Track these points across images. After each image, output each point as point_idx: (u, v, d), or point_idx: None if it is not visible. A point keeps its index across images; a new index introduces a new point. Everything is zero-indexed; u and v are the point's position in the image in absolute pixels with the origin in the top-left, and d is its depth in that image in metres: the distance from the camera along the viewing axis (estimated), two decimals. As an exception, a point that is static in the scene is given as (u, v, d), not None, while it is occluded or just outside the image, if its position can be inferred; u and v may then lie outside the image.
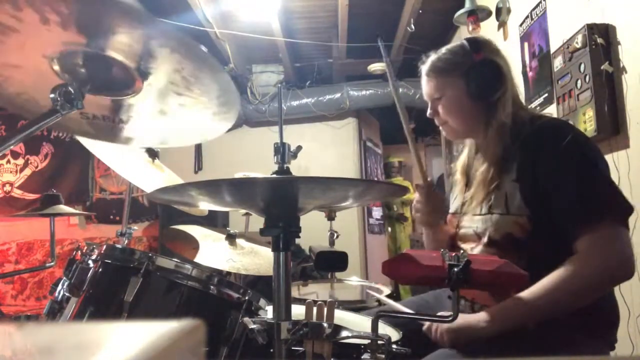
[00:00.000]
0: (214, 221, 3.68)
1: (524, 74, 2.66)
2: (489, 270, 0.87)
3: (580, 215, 1.00)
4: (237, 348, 1.13)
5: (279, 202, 0.88)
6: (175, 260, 1.16)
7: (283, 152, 0.90)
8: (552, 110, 2.28)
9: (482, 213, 1.15)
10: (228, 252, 1.72)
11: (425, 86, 1.24)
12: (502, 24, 2.91)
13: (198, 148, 5.08)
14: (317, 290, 2.16)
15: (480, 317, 1.04)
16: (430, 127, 5.80)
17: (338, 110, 4.73)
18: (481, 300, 1.13)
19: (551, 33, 2.35)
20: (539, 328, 0.99)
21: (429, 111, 1.25)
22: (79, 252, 1.30)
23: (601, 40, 1.88)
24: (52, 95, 0.78)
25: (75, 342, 0.25)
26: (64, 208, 2.20)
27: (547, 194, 1.04)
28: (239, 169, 2.15)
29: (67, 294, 1.23)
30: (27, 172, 4.87)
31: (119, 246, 1.26)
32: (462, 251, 1.01)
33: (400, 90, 4.54)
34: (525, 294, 1.00)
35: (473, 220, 1.18)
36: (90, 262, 1.21)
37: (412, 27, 3.67)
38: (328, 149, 4.87)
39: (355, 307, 1.61)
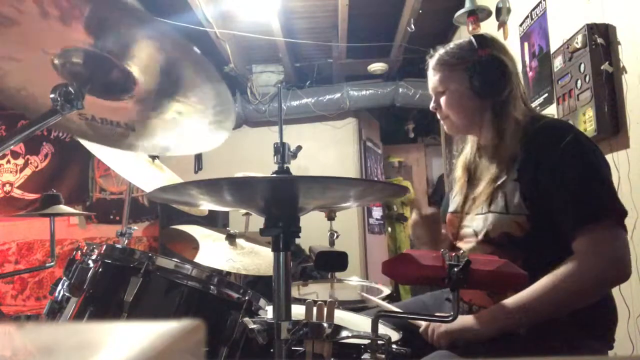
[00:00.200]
0: (214, 221, 3.68)
1: (524, 74, 2.66)
2: (489, 270, 0.87)
3: (579, 216, 1.00)
4: (237, 348, 1.13)
5: (279, 202, 0.88)
6: (175, 260, 1.16)
7: (283, 152, 0.90)
8: (552, 110, 2.28)
9: (482, 212, 1.15)
10: (228, 252, 1.72)
11: (431, 79, 1.25)
12: (502, 24, 2.91)
13: (198, 148, 5.07)
14: (317, 290, 2.16)
15: (477, 318, 1.04)
16: (431, 127, 5.82)
17: (338, 110, 4.72)
18: (479, 303, 1.13)
19: (551, 33, 2.35)
20: (539, 328, 0.99)
21: (432, 104, 1.26)
22: (79, 252, 1.30)
23: (601, 40, 1.88)
24: (52, 95, 0.78)
25: (75, 342, 0.25)
26: (64, 208, 2.20)
27: (547, 194, 1.04)
28: (239, 169, 2.14)
29: (67, 294, 1.23)
30: (27, 172, 4.88)
31: (119, 246, 1.26)
32: (462, 251, 1.01)
33: (400, 90, 4.54)
34: (523, 294, 1.00)
35: (474, 219, 1.18)
36: (90, 262, 1.21)
37: (412, 27, 3.67)
38: (328, 149, 4.87)
39: (355, 307, 1.61)
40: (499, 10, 2.85)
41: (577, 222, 1.01)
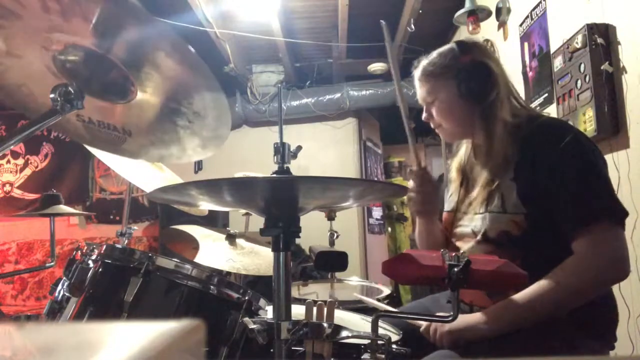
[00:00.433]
0: (214, 221, 3.68)
1: (524, 74, 2.66)
2: (489, 270, 0.87)
3: (578, 216, 1.00)
4: (237, 348, 1.13)
5: (279, 202, 0.88)
6: (175, 260, 1.16)
7: (283, 152, 0.90)
8: (552, 110, 2.28)
9: (480, 212, 1.15)
10: (228, 252, 1.72)
11: (419, 90, 1.25)
12: (502, 24, 2.91)
13: (198, 148, 5.07)
14: (317, 290, 2.16)
15: (477, 318, 1.04)
16: (431, 127, 5.79)
17: (338, 110, 4.72)
18: (480, 304, 1.13)
19: (551, 33, 2.35)
20: (539, 328, 0.99)
21: (424, 115, 1.27)
22: (79, 252, 1.30)
23: (601, 40, 1.88)
24: (52, 96, 0.78)
25: (75, 342, 0.25)
26: (64, 208, 2.20)
27: (546, 193, 1.04)
28: (239, 169, 2.15)
29: (67, 294, 1.23)
30: (27, 172, 4.88)
31: (119, 246, 1.26)
32: (462, 251, 1.01)
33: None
34: (523, 294, 1.00)
35: (473, 219, 1.18)
36: (90, 262, 1.21)
37: (412, 27, 3.67)
38: (328, 149, 4.87)
39: (355, 307, 1.61)
40: (499, 10, 2.85)
41: (577, 222, 1.01)
